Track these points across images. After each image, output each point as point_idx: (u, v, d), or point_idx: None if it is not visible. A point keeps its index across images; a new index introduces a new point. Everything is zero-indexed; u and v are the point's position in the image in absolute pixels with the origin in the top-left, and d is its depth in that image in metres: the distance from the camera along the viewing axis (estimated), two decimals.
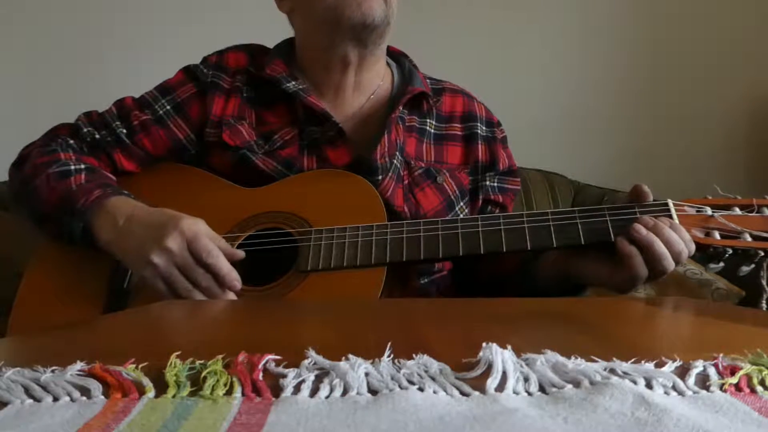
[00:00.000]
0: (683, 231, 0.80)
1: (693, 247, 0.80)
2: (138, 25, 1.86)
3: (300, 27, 1.04)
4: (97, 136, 1.01)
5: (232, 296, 0.83)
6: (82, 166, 0.94)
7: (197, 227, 0.83)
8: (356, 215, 0.89)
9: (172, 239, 0.81)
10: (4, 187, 1.46)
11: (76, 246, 0.90)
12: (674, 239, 0.78)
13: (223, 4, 1.88)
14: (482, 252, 0.84)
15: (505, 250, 0.84)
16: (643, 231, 0.79)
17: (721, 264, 0.83)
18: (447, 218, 0.91)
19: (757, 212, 0.84)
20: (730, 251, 0.82)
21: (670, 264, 0.78)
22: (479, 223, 0.86)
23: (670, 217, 0.82)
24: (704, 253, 0.83)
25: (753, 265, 0.83)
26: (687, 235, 0.80)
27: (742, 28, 1.96)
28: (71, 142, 1.00)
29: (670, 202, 0.84)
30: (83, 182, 0.91)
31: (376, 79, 1.05)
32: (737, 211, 0.84)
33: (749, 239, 0.81)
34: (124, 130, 1.01)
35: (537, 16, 1.99)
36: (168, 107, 1.02)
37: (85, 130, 1.01)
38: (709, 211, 0.84)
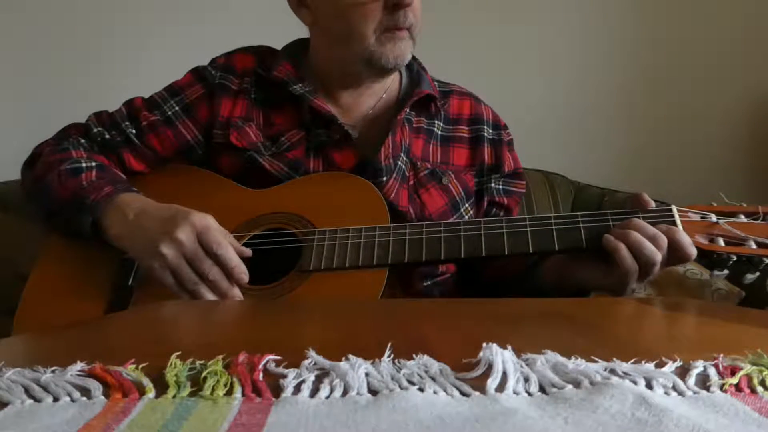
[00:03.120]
0: (683, 234, 0.80)
1: (694, 250, 0.80)
2: (138, 25, 1.86)
3: (323, 44, 1.04)
4: (107, 136, 1.02)
5: (237, 292, 0.83)
6: (93, 164, 0.95)
7: (207, 221, 0.83)
8: (360, 217, 0.89)
9: (182, 231, 0.81)
10: (4, 187, 1.47)
11: (84, 240, 0.91)
12: (642, 225, 0.80)
13: (224, 4, 1.88)
14: (484, 254, 0.84)
15: (507, 252, 0.84)
16: (620, 228, 0.81)
17: (726, 271, 0.82)
18: (449, 221, 0.91)
19: (762, 220, 0.82)
20: (735, 258, 0.81)
21: (652, 252, 0.78)
22: (482, 225, 0.86)
23: (674, 223, 0.82)
24: (709, 260, 0.82)
25: (758, 273, 0.82)
26: (687, 238, 0.80)
27: (742, 28, 1.96)
28: (82, 141, 1.02)
29: (674, 208, 0.84)
30: (94, 179, 0.92)
31: (386, 83, 1.06)
32: (742, 218, 0.83)
33: (754, 246, 0.80)
34: (134, 131, 1.02)
35: (537, 16, 1.98)
36: (176, 108, 1.03)
37: (95, 130, 1.02)
38: (713, 217, 0.83)
